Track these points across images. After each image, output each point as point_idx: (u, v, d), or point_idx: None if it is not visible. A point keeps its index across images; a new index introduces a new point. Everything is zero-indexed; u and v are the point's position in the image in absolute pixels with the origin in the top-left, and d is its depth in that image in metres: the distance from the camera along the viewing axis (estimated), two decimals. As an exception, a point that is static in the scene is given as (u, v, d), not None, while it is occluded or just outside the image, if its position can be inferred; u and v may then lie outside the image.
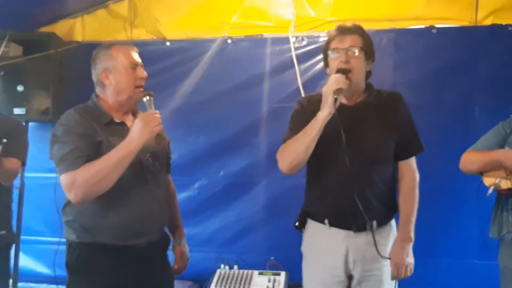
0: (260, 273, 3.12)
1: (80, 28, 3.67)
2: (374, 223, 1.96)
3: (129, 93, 1.90)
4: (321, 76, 3.33)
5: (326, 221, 2.01)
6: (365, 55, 1.93)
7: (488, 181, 2.25)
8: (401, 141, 1.97)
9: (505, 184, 2.19)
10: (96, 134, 1.82)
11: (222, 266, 3.25)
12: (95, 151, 1.78)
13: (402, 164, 2.02)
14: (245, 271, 3.16)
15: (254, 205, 3.43)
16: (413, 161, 2.04)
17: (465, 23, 3.21)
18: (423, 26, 3.24)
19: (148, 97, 1.88)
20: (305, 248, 2.14)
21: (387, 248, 2.00)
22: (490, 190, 2.25)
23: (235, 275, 3.11)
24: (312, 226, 2.08)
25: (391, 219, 2.04)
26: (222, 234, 3.45)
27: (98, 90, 1.96)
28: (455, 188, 3.06)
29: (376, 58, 3.02)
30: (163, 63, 3.51)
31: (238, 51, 3.46)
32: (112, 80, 1.90)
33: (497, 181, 2.21)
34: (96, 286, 1.86)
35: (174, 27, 3.56)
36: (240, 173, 3.45)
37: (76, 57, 3.48)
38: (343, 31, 1.93)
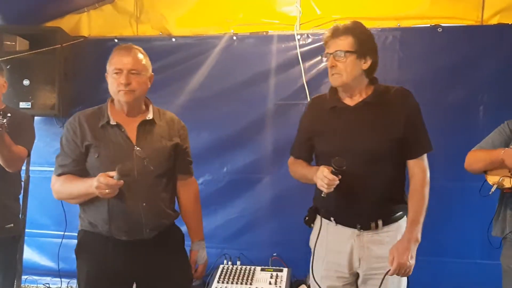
0: (263, 269, 3.13)
1: (87, 23, 3.68)
2: (380, 222, 1.96)
3: (116, 96, 1.95)
4: (326, 73, 3.28)
5: (332, 218, 2.02)
6: (357, 55, 1.91)
7: (491, 179, 2.25)
8: (406, 139, 1.91)
9: (508, 183, 2.18)
10: (84, 139, 1.93)
11: (225, 261, 3.26)
12: (81, 158, 1.94)
13: (411, 163, 1.96)
14: (248, 267, 3.18)
15: (258, 201, 3.44)
16: (422, 160, 1.97)
17: (471, 22, 3.20)
18: (428, 25, 3.24)
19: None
20: (313, 243, 2.12)
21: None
22: (493, 189, 2.24)
23: (238, 271, 3.12)
24: (320, 222, 2.08)
25: (400, 218, 2.00)
26: (225, 230, 3.46)
27: None
28: (458, 187, 3.06)
29: (381, 56, 2.98)
30: (169, 59, 3.51)
31: (244, 48, 3.46)
32: (108, 83, 1.98)
33: (500, 179, 2.20)
34: (88, 269, 1.96)
35: (179, 24, 3.58)
36: (244, 169, 3.46)
37: (82, 52, 3.50)
38: (332, 34, 1.94)
